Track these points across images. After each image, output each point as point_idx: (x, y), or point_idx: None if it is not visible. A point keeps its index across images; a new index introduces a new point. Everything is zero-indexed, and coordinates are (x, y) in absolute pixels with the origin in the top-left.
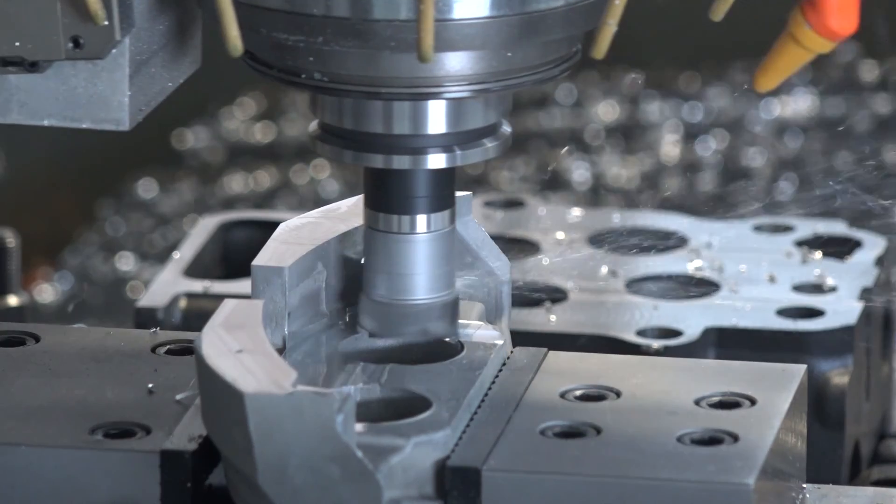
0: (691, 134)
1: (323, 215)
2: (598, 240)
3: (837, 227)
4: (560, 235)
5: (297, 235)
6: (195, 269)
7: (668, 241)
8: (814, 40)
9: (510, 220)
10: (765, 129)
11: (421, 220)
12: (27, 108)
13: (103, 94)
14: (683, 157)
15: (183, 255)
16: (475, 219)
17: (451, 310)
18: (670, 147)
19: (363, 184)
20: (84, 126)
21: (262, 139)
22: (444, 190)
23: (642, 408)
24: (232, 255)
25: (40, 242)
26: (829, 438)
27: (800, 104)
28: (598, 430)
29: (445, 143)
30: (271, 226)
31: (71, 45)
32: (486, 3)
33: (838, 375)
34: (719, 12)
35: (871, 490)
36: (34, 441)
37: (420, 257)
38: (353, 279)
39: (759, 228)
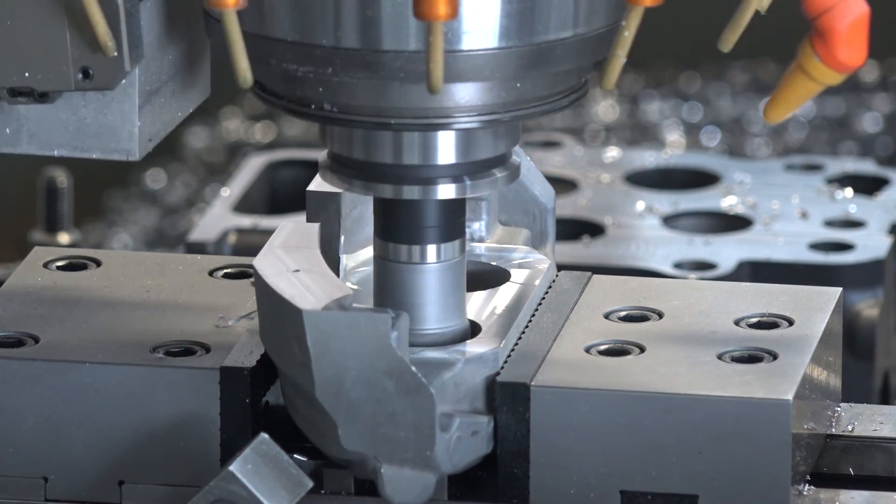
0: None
1: None
2: (634, 178)
3: (867, 166)
4: (597, 174)
5: None
6: (242, 207)
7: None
8: (823, 72)
9: (548, 160)
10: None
11: (431, 250)
12: (37, 138)
13: (113, 124)
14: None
15: (231, 192)
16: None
17: (462, 340)
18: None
19: (373, 214)
20: (94, 156)
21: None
22: (453, 220)
23: (684, 328)
24: (278, 194)
25: None
26: (859, 369)
27: None
28: (642, 349)
29: (455, 173)
30: (317, 166)
31: (80, 75)
32: (495, 34)
33: (869, 307)
34: (728, 43)
35: None
36: (99, 358)
37: (430, 287)
38: None
39: (790, 167)
